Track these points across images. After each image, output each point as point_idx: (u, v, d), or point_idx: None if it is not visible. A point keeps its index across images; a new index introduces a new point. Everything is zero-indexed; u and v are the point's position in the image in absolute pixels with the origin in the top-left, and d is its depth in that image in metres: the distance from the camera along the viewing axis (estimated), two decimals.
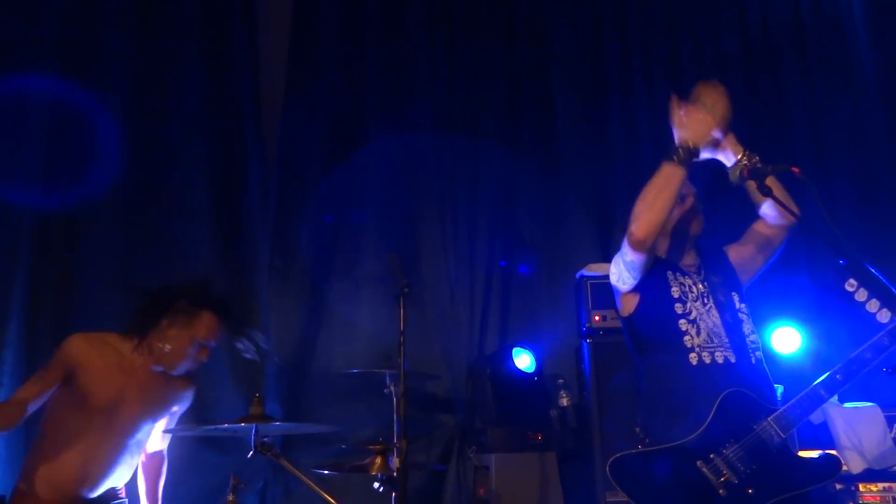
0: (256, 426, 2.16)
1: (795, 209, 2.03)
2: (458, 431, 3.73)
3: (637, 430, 2.26)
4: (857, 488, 2.86)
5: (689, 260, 2.29)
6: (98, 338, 2.47)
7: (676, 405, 2.11)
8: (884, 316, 1.70)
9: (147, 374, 2.49)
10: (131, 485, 2.63)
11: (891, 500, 2.80)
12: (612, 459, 2.07)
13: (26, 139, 3.45)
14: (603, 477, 3.22)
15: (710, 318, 2.17)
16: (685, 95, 4.14)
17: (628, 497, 2.02)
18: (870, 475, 2.86)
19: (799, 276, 3.64)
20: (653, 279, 2.21)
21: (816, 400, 2.03)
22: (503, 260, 4.09)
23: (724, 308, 2.20)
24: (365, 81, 4.11)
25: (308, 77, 4.04)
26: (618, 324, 3.31)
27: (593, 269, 3.59)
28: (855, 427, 2.91)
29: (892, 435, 2.96)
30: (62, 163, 3.51)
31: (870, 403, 2.97)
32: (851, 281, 1.73)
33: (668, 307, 2.17)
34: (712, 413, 2.03)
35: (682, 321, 2.15)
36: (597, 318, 3.42)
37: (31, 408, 2.37)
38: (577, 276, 3.59)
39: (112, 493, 2.50)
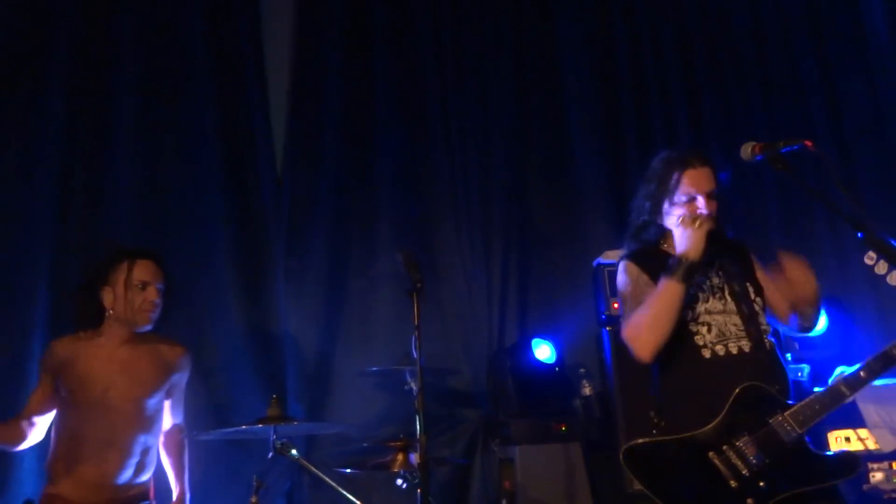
0: (275, 427, 2.16)
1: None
2: (481, 425, 3.72)
3: (652, 414, 2.23)
4: (891, 466, 2.80)
5: (705, 252, 2.21)
6: (71, 339, 2.56)
7: (690, 396, 2.09)
8: None
9: (127, 350, 2.53)
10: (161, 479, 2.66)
11: None
12: (625, 447, 2.05)
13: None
14: None
15: (725, 311, 2.14)
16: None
17: (641, 484, 2.02)
18: (857, 457, 2.78)
19: (823, 255, 3.57)
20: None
21: (838, 398, 1.98)
22: (518, 252, 4.05)
23: (740, 298, 2.16)
24: (373, 80, 4.10)
25: (316, 78, 4.04)
26: None
27: (609, 257, 3.55)
28: (885, 405, 2.85)
29: None
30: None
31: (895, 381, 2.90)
32: (871, 254, 1.68)
33: (681, 317, 2.12)
34: (727, 406, 2.01)
35: (692, 325, 2.12)
36: (615, 305, 3.38)
37: (39, 419, 2.50)
38: (594, 263, 3.56)
39: (140, 492, 2.52)
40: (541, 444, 3.37)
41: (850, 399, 1.98)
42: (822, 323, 3.26)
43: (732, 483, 1.94)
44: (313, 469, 2.17)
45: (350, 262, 3.89)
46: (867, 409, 2.93)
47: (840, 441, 2.99)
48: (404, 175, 4.04)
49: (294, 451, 2.22)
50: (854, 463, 2.01)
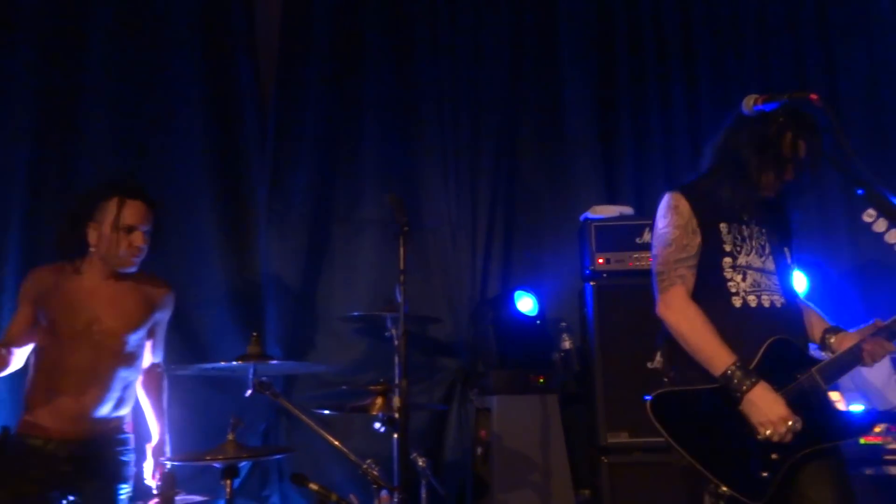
0: (254, 365, 2.13)
1: None
2: (460, 374, 3.73)
3: (657, 359, 2.19)
4: (871, 430, 2.85)
5: (755, 209, 2.15)
6: (53, 267, 2.50)
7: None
8: None
9: (110, 285, 2.48)
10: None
11: (893, 440, 2.80)
12: (654, 395, 2.00)
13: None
14: (605, 418, 3.22)
15: (764, 267, 2.09)
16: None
17: (665, 434, 1.95)
18: (874, 416, 2.85)
19: (807, 213, 3.55)
20: (705, 237, 2.09)
21: (859, 357, 1.99)
22: (505, 204, 4.01)
23: (779, 257, 2.13)
24: (362, 24, 3.97)
25: (305, 12, 3.90)
26: (621, 266, 3.34)
27: (598, 212, 3.52)
28: (861, 369, 2.89)
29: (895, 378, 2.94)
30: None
31: None
32: (870, 211, 1.67)
33: (717, 262, 2.08)
34: (758, 358, 1.98)
35: (728, 271, 2.07)
36: (600, 260, 3.37)
37: (17, 349, 2.43)
38: (581, 218, 3.53)
39: (117, 426, 2.49)
40: (518, 395, 3.38)
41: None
42: (804, 284, 3.28)
43: (759, 436, 1.93)
44: (292, 408, 2.15)
45: (335, 207, 3.85)
46: None
47: None
48: (392, 122, 3.96)
49: (272, 389, 2.18)
50: (871, 422, 2.04)
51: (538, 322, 3.66)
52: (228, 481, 2.17)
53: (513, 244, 4.01)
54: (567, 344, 3.49)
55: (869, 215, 1.68)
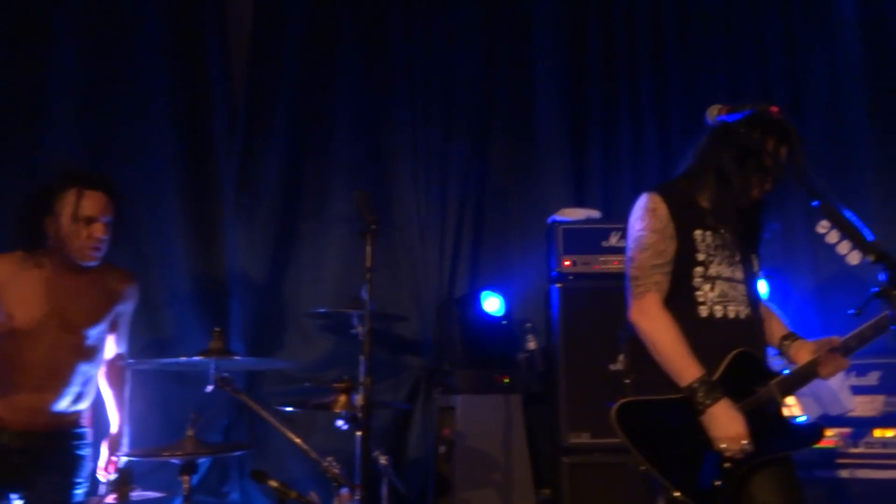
0: (216, 361, 2.11)
1: None
2: (424, 373, 3.74)
3: (620, 361, 2.21)
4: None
5: (733, 214, 2.12)
6: (10, 257, 2.41)
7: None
8: (854, 258, 1.68)
9: (71, 278, 2.43)
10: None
11: (844, 444, 2.88)
12: (619, 403, 2.02)
13: None
14: (567, 419, 3.26)
15: (733, 277, 2.10)
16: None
17: (627, 441, 1.98)
18: (826, 421, 2.93)
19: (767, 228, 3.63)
20: (680, 244, 2.09)
21: (814, 372, 2.01)
22: (474, 204, 4.03)
23: (748, 265, 2.15)
24: (337, 22, 3.95)
25: (277, 9, 3.87)
26: (587, 269, 3.37)
27: (565, 214, 3.56)
28: None
29: (849, 383, 3.03)
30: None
31: None
32: (823, 222, 1.71)
33: (688, 270, 2.08)
34: (721, 370, 2.00)
35: (698, 280, 2.07)
36: (567, 262, 3.40)
37: None
38: (549, 220, 3.56)
39: (75, 420, 2.45)
40: (482, 395, 3.40)
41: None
42: (764, 291, 3.35)
43: (714, 448, 1.95)
44: (253, 404, 2.14)
45: (303, 203, 3.82)
46: None
47: None
48: (364, 120, 3.95)
49: (233, 386, 2.16)
50: (820, 431, 2.07)
51: (504, 322, 3.68)
52: (186, 477, 2.15)
53: (481, 244, 4.02)
54: (532, 344, 3.52)
55: (823, 227, 1.72)
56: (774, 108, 1.78)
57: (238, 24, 3.88)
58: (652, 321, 2.04)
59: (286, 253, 3.74)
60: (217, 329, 2.21)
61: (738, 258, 2.12)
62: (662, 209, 2.08)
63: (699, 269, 2.06)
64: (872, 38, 3.74)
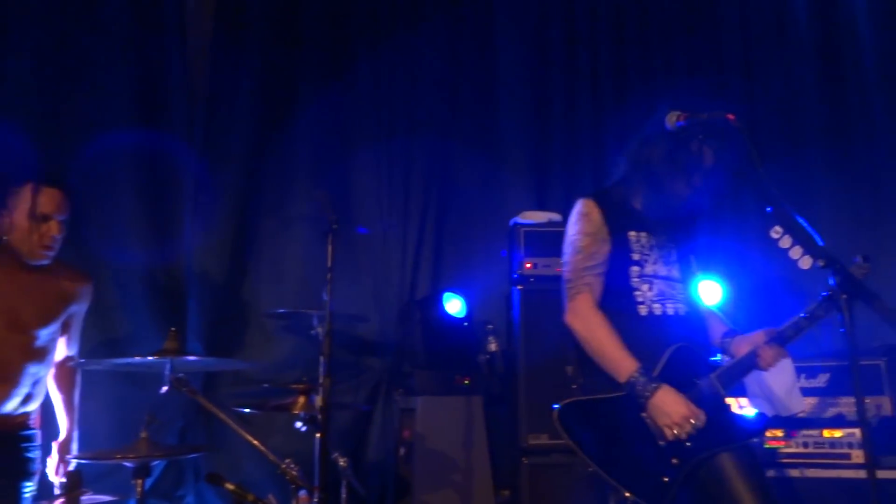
0: (171, 361, 2.06)
1: None
2: (385, 374, 3.73)
3: (569, 369, 2.25)
4: (764, 433, 3.01)
5: (665, 214, 2.22)
6: None
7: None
8: (805, 262, 1.74)
9: (23, 276, 2.36)
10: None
11: (794, 444, 2.96)
12: (561, 404, 2.05)
13: None
14: (527, 420, 3.28)
15: (671, 275, 2.16)
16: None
17: (571, 443, 2.00)
18: (777, 422, 3.01)
19: (723, 232, 3.71)
20: (614, 245, 2.16)
21: (754, 363, 2.08)
22: (437, 206, 4.03)
23: (686, 265, 2.21)
24: (300, 19, 3.91)
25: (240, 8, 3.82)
26: (549, 272, 3.40)
27: (527, 217, 3.59)
28: (766, 376, 3.04)
29: (799, 384, 3.11)
30: None
31: None
32: (777, 228, 1.76)
33: (625, 270, 2.14)
34: (661, 365, 2.05)
35: (635, 280, 2.13)
36: (528, 265, 3.43)
37: None
38: (511, 223, 3.58)
39: (23, 422, 2.37)
40: (443, 396, 3.40)
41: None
42: (720, 295, 3.43)
43: (661, 442, 1.99)
44: (209, 405, 2.10)
45: (264, 201, 3.78)
46: (749, 379, 3.12)
47: None
48: (327, 118, 3.92)
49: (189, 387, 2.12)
50: (765, 421, 2.13)
51: (465, 324, 3.69)
52: (139, 481, 2.10)
53: (443, 246, 4.03)
54: (493, 346, 3.53)
55: (776, 232, 1.77)
56: (731, 116, 1.82)
57: (199, 20, 3.81)
58: (583, 321, 2.10)
59: (246, 252, 3.69)
60: (172, 329, 2.17)
61: (674, 258, 2.18)
62: (595, 213, 2.16)
63: (635, 269, 2.13)
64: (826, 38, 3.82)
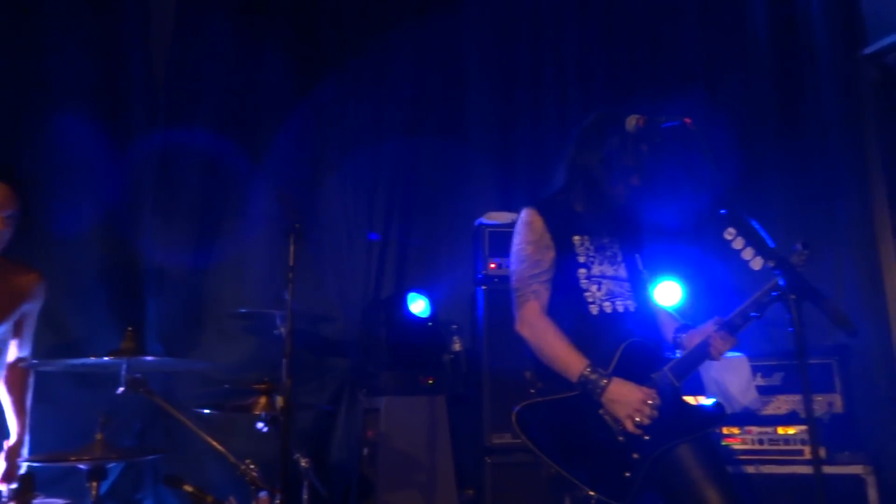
0: (127, 361, 2.03)
1: None
2: (349, 374, 3.71)
3: (527, 374, 2.28)
4: (721, 431, 3.07)
5: (607, 216, 2.27)
6: None
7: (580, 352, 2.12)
8: (756, 264, 1.78)
9: None
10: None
11: (749, 441, 3.03)
12: (519, 406, 2.06)
13: None
14: (490, 420, 3.30)
15: (616, 276, 2.19)
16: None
17: (531, 444, 2.02)
18: (733, 419, 3.07)
19: (682, 234, 3.76)
20: (559, 251, 2.19)
21: (704, 354, 2.11)
22: (402, 206, 4.02)
23: (631, 264, 2.25)
24: (265, 18, 3.88)
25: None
26: None
27: (492, 218, 3.60)
28: (723, 375, 3.11)
29: (755, 383, 3.18)
30: None
31: (738, 354, 3.17)
32: (730, 229, 1.80)
33: (573, 273, 2.18)
34: (615, 361, 2.08)
35: (584, 281, 2.16)
36: (492, 265, 3.45)
37: None
38: (476, 223, 3.59)
39: None
40: (407, 396, 3.40)
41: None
42: (679, 296, 3.49)
43: (620, 438, 2.02)
44: (167, 406, 2.07)
45: (227, 199, 3.73)
46: (707, 378, 3.18)
47: None
48: (292, 115, 3.89)
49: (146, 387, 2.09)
50: (721, 412, 2.14)
51: (430, 324, 3.69)
52: (94, 483, 2.06)
53: (409, 246, 4.03)
54: (457, 346, 3.55)
55: (729, 233, 1.81)
56: (688, 120, 1.86)
57: (161, 18, 3.75)
58: (532, 328, 2.14)
59: (208, 251, 3.64)
60: (129, 328, 2.13)
61: (620, 258, 2.23)
62: (538, 221, 2.20)
63: (583, 271, 2.17)
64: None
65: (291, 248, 2.32)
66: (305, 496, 2.73)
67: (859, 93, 3.52)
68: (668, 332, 2.29)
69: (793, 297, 1.68)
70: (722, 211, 1.80)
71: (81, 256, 3.37)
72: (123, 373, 2.05)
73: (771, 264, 1.74)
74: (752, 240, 1.78)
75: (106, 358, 2.07)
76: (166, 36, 3.73)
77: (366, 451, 3.43)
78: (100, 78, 3.55)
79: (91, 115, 3.50)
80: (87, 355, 2.75)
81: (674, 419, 2.05)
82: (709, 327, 2.12)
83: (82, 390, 3.13)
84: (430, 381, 3.47)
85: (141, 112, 3.59)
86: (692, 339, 2.18)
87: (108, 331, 3.31)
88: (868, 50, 3.58)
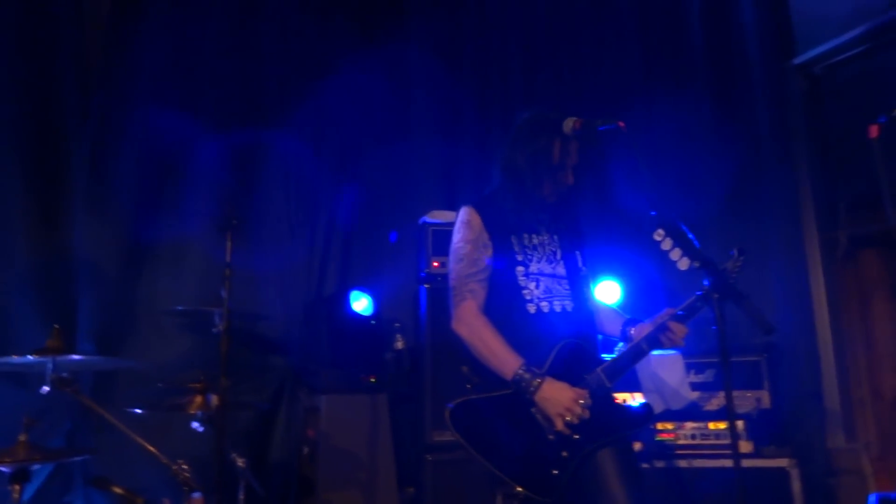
0: (53, 360, 1.96)
1: None
2: (290, 373, 3.67)
3: (464, 369, 2.29)
4: (655, 426, 3.16)
5: (542, 218, 2.30)
6: None
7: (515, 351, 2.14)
8: (684, 264, 1.84)
9: None
10: None
11: (682, 436, 3.12)
12: (454, 404, 2.08)
13: None
14: (432, 417, 3.31)
15: (555, 274, 2.22)
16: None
17: (463, 441, 2.04)
18: (667, 415, 3.16)
19: (618, 235, 3.85)
20: (497, 248, 2.21)
21: (639, 353, 2.16)
22: (346, 203, 4.00)
23: (570, 262, 2.28)
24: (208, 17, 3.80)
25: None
26: None
27: (436, 216, 3.61)
28: (658, 372, 3.19)
29: (689, 380, 3.28)
30: None
31: (673, 351, 3.26)
32: (659, 231, 1.86)
33: (511, 270, 2.20)
34: (549, 361, 2.11)
35: (522, 279, 2.19)
36: (436, 263, 3.46)
37: None
38: (420, 221, 3.60)
39: None
40: (348, 395, 3.39)
41: (649, 353, 2.17)
42: (618, 295, 3.58)
43: (550, 437, 2.05)
44: (95, 406, 2.01)
45: (162, 195, 3.62)
46: (643, 375, 3.27)
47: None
48: (233, 107, 3.81)
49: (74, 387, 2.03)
50: (650, 412, 2.20)
51: (372, 322, 3.68)
52: (17, 486, 1.98)
53: (352, 244, 4.01)
54: (400, 344, 3.55)
55: (658, 234, 1.87)
56: (622, 123, 1.91)
57: (94, 12, 3.63)
58: (467, 327, 2.16)
59: (142, 247, 3.53)
60: (56, 326, 2.06)
61: (559, 255, 2.27)
62: (475, 220, 2.22)
63: (520, 269, 2.20)
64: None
65: (228, 244, 2.28)
66: (242, 496, 2.70)
67: (790, 103, 3.67)
68: (615, 328, 2.32)
69: (716, 296, 1.74)
70: (652, 213, 1.86)
71: (8, 250, 3.23)
72: (49, 371, 1.98)
73: (696, 265, 1.81)
74: (680, 241, 1.84)
75: (30, 357, 1.99)
76: (100, 28, 3.61)
77: (306, 449, 3.40)
78: (29, 67, 3.41)
79: (18, 102, 3.36)
80: (13, 352, 2.65)
81: (603, 419, 2.09)
82: (659, 318, 2.16)
83: (8, 390, 3.01)
84: (372, 380, 3.46)
85: (72, 102, 3.46)
86: (641, 332, 2.21)
87: (37, 329, 3.18)
88: (798, 60, 3.73)
